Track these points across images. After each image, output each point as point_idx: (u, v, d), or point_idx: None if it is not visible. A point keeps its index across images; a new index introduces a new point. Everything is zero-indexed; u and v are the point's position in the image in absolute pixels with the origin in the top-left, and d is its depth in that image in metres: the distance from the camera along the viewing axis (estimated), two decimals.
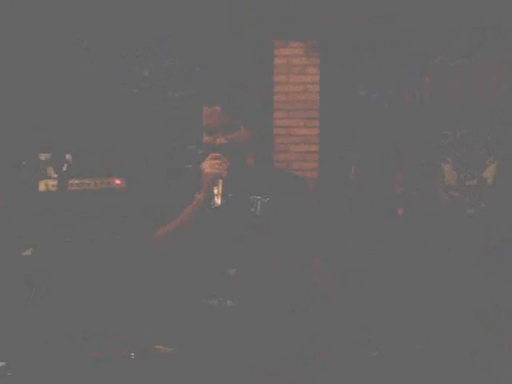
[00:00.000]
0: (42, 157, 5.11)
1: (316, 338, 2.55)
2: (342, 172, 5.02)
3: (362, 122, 5.11)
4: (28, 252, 4.70)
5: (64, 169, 5.16)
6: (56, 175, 5.13)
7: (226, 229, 2.47)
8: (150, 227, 2.55)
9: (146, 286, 4.23)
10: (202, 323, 2.50)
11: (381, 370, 3.83)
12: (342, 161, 5.03)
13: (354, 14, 4.92)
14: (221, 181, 2.37)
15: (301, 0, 4.96)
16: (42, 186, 5.02)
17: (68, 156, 5.19)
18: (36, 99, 5.21)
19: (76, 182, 5.15)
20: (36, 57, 5.16)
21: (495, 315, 4.16)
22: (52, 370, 3.84)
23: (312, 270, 2.57)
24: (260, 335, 2.49)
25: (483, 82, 5.03)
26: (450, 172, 4.94)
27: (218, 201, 2.36)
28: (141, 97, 5.31)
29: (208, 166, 2.38)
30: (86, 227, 4.87)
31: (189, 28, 5.14)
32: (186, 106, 5.19)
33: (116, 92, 5.31)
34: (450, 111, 5.04)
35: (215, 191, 2.36)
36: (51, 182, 5.13)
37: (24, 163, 5.08)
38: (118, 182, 5.09)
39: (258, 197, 2.50)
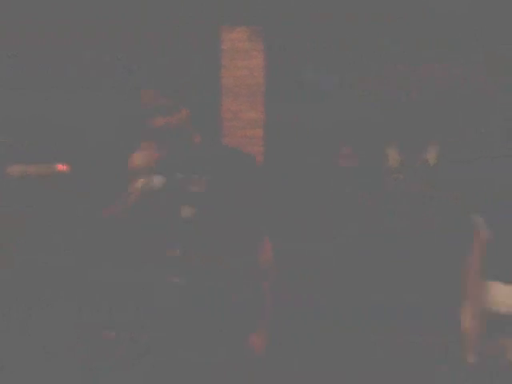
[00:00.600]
0: None
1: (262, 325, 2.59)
2: (288, 155, 5.06)
3: (308, 105, 5.15)
4: None
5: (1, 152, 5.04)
6: None
7: (170, 208, 2.51)
8: (93, 212, 2.55)
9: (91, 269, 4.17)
10: (149, 301, 2.53)
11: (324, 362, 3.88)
12: (287, 144, 5.07)
13: None
14: (145, 174, 2.48)
15: None
16: None
17: (5, 140, 5.07)
18: None
19: (17, 168, 5.03)
20: None
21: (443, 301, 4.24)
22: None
23: (260, 250, 2.60)
24: (204, 315, 2.51)
25: (428, 66, 5.14)
26: (394, 155, 5.03)
27: (138, 185, 2.47)
28: (87, 82, 5.21)
29: (136, 158, 2.48)
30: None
31: (134, 13, 5.07)
32: (132, 93, 5.11)
33: (59, 76, 5.19)
34: (394, 95, 5.13)
35: (141, 181, 2.47)
36: None
37: None
38: (61, 167, 4.99)
39: (202, 175, 2.52)
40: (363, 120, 5.11)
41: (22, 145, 5.10)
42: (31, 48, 5.15)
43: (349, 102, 5.16)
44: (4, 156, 5.04)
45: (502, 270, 2.82)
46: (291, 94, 5.18)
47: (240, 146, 5.04)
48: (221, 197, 2.50)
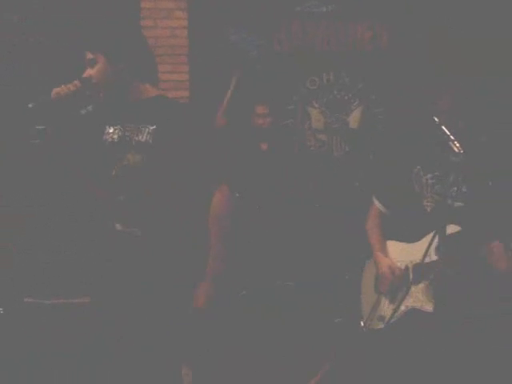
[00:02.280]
0: None
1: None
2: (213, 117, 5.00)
3: (232, 67, 5.09)
4: None
5: None
6: None
7: (116, 159, 2.66)
8: None
9: None
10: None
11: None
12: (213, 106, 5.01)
13: None
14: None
15: None
16: None
17: None
18: None
19: None
20: None
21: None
22: None
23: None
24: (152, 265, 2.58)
25: (349, 29, 5.16)
26: (317, 116, 5.04)
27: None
28: None
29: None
30: None
31: None
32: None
33: None
34: (317, 57, 5.13)
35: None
36: None
37: None
38: None
39: (145, 125, 2.63)
40: (287, 79, 5.08)
41: None
42: None
43: (272, 63, 5.12)
44: None
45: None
46: (215, 55, 5.10)
47: None
48: (167, 146, 2.59)
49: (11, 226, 4.28)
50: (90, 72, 2.67)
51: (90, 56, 2.68)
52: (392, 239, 3.18)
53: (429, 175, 3.02)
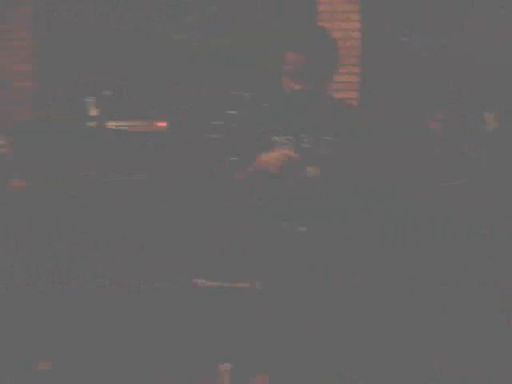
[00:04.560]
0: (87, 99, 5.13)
1: None
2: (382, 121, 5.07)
3: (403, 69, 5.13)
4: None
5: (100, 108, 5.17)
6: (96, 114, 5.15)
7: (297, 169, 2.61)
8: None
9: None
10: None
11: None
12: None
13: None
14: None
15: None
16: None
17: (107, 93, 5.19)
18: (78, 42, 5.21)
19: (114, 123, 5.16)
20: None
21: None
22: None
23: None
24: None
25: None
26: (492, 120, 4.98)
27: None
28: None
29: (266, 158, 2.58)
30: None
31: None
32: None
33: (153, 37, 5.26)
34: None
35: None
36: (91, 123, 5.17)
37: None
38: (161, 124, 5.08)
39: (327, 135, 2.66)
40: (459, 82, 5.06)
41: (121, 98, 5.21)
42: None
43: (443, 66, 5.12)
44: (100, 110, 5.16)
45: None
46: (387, 57, 5.16)
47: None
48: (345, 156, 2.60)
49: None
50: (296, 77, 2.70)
51: (295, 57, 2.69)
52: None
53: None
